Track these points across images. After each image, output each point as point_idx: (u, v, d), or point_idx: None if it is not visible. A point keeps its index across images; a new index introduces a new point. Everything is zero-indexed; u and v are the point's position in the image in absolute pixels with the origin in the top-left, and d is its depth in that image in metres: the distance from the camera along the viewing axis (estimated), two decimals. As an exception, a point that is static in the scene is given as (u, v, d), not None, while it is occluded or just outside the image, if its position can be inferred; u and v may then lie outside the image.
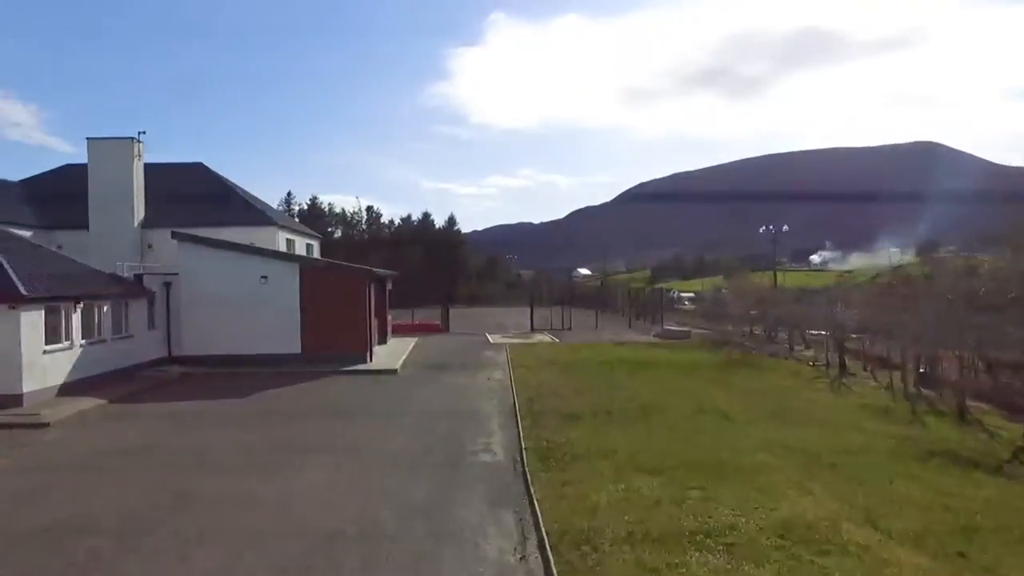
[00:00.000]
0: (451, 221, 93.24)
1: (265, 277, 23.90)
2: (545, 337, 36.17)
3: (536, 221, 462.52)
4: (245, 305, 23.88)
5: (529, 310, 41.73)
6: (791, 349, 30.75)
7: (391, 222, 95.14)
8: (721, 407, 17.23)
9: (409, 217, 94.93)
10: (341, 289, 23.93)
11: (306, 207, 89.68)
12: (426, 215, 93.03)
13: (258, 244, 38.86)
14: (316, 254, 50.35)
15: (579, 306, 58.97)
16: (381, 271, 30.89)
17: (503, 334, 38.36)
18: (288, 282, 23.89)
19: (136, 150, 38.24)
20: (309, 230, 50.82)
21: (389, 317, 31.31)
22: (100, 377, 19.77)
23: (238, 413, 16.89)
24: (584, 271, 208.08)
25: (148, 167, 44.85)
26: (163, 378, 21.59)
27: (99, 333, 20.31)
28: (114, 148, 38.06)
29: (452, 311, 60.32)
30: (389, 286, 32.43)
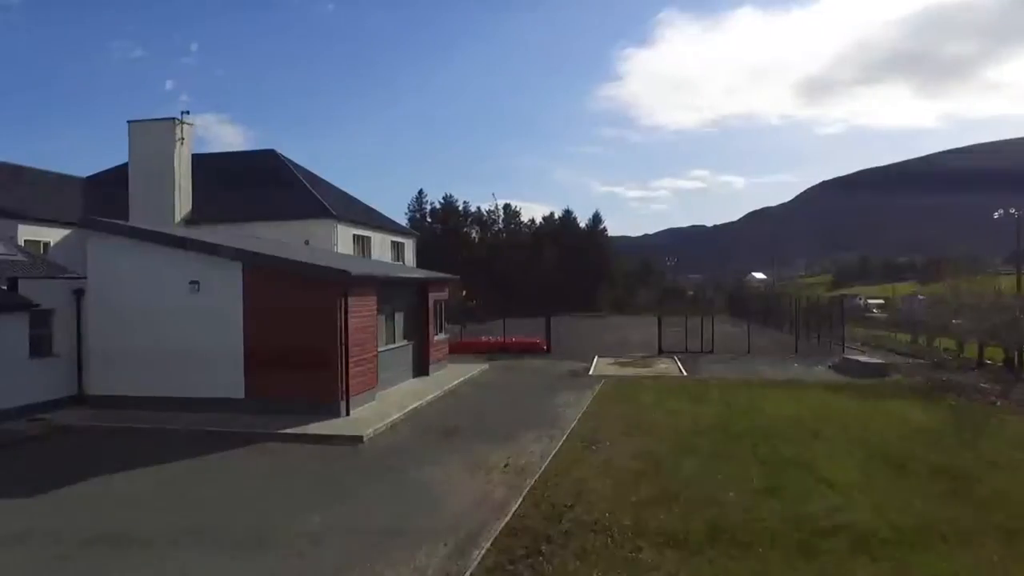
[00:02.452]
0: (595, 219, 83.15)
1: (196, 283, 15.79)
2: (671, 365, 25.71)
3: (709, 224, 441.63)
4: (171, 324, 15.96)
5: (657, 327, 31.14)
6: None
7: (531, 221, 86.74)
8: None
9: (552, 215, 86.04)
10: (304, 303, 15.30)
11: (439, 205, 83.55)
12: (567, 212, 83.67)
13: (313, 242, 31.70)
14: (408, 255, 42.72)
15: (738, 316, 47.13)
16: (414, 275, 22.12)
17: (617, 358, 28.36)
18: (226, 290, 15.62)
19: (179, 132, 32.18)
20: (401, 226, 43.28)
21: (436, 337, 22.36)
22: None
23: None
24: (759, 275, 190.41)
25: (213, 156, 39.43)
26: (11, 437, 13.96)
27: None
28: (154, 131, 32.32)
29: (583, 322, 50.99)
30: (442, 295, 23.51)
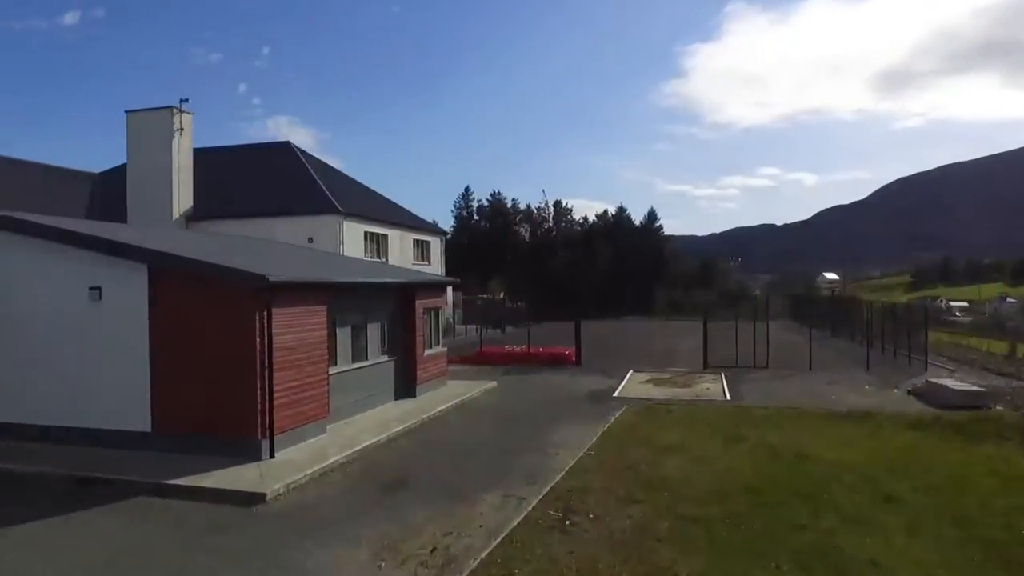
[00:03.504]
0: (650, 216, 78.54)
1: (97, 289, 12.74)
2: (714, 385, 21.66)
3: (779, 223, 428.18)
4: (69, 338, 12.98)
5: (703, 336, 26.96)
6: None
7: (584, 219, 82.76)
8: None
9: (605, 213, 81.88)
10: (216, 314, 12.05)
11: (486, 202, 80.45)
12: (621, 209, 79.40)
13: (318, 240, 28.78)
14: (435, 255, 39.50)
15: (803, 321, 42.28)
16: (393, 279, 18.70)
17: (654, 373, 24.48)
18: (131, 298, 12.49)
19: (177, 122, 29.66)
20: (427, 223, 40.10)
21: (426, 351, 18.94)
22: None
23: None
24: (830, 276, 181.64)
25: (224, 149, 37.07)
26: None
27: None
28: (151, 121, 29.94)
29: (632, 327, 47.36)
30: (436, 301, 20.07)
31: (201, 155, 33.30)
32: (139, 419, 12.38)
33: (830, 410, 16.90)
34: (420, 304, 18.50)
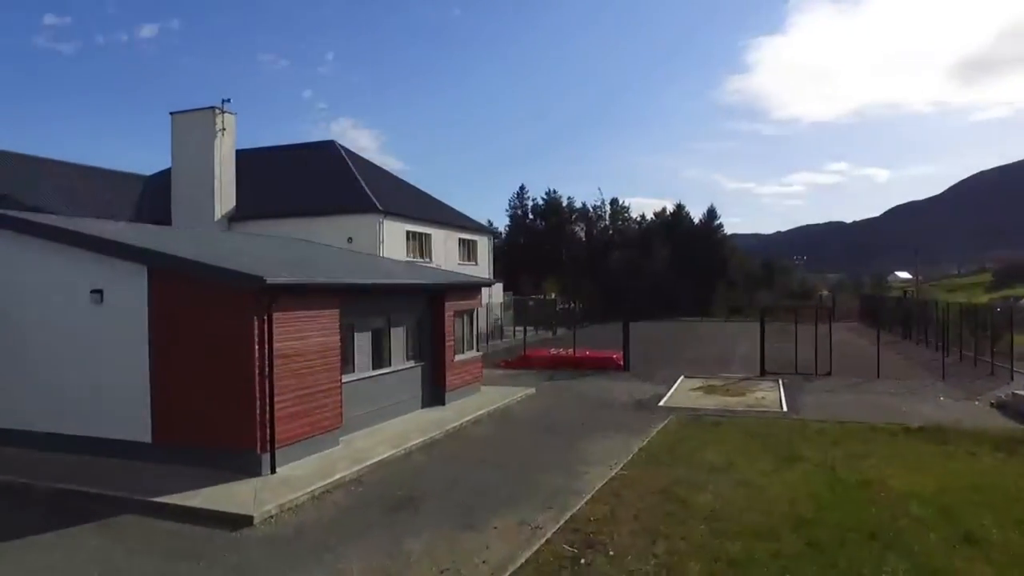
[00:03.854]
0: (710, 214, 75.87)
1: (99, 291, 12.08)
2: (770, 394, 20.02)
3: (848, 220, 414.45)
4: (69, 343, 12.39)
5: (760, 340, 25.18)
6: None
7: (641, 217, 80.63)
8: None
9: (663, 211, 79.55)
10: (216, 318, 11.23)
11: (541, 201, 79.12)
12: (679, 207, 76.87)
13: (357, 239, 28.09)
14: (482, 254, 38.53)
15: (872, 323, 39.73)
16: (418, 281, 17.70)
17: (707, 379, 22.96)
18: (130, 301, 11.79)
19: (219, 122, 29.48)
20: (475, 222, 39.15)
21: (457, 356, 17.90)
22: None
23: None
24: (903, 275, 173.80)
25: (269, 149, 36.85)
26: None
27: None
28: (194, 122, 29.84)
29: (688, 328, 45.85)
30: (469, 303, 19.02)
31: (246, 155, 33.17)
32: (139, 428, 11.68)
33: (900, 425, 15.13)
34: (450, 307, 17.45)
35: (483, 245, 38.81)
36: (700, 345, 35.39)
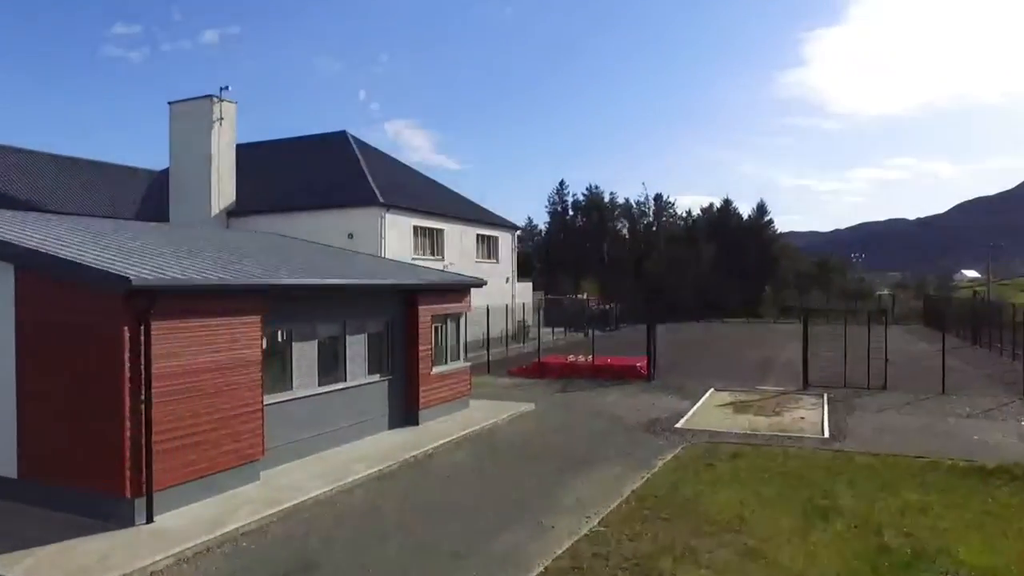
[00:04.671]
0: (759, 210, 71.91)
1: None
2: (811, 413, 17.04)
3: (911, 217, 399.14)
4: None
5: (803, 349, 22.03)
6: None
7: (688, 213, 77.02)
8: None
9: (710, 207, 75.82)
10: (83, 328, 9.00)
11: (581, 197, 76.18)
12: (727, 202, 73.08)
13: (358, 234, 25.86)
14: (504, 251, 36.02)
15: (936, 326, 35.89)
16: (379, 281, 15.28)
17: (739, 392, 20.14)
18: (-7, 303, 9.69)
19: (217, 111, 27.67)
20: (497, 217, 36.64)
21: (435, 369, 15.44)
22: None
23: None
24: (971, 274, 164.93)
25: (278, 141, 35.03)
26: None
27: None
28: (191, 112, 28.10)
29: (733, 330, 42.85)
30: (451, 307, 16.51)
31: (251, 148, 31.40)
32: (4, 460, 9.55)
33: (971, 462, 12.07)
34: (425, 311, 14.99)
35: (505, 242, 36.26)
36: (739, 350, 32.30)
